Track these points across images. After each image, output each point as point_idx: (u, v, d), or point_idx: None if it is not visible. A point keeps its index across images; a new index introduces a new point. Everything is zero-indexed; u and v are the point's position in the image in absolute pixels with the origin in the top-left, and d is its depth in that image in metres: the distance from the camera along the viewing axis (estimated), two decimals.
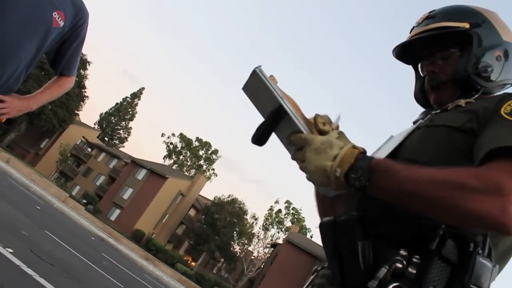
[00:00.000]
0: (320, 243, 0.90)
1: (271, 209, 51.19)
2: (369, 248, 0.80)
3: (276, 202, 57.51)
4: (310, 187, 1.11)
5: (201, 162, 63.27)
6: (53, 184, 29.34)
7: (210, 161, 63.52)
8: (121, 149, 60.65)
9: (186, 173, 59.52)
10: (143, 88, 63.89)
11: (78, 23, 1.66)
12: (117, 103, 62.90)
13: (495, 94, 1.00)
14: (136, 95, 62.87)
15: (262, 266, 44.13)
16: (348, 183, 0.77)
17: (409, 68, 1.22)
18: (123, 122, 62.45)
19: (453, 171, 0.72)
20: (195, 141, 63.31)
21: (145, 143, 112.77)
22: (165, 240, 45.82)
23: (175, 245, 47.80)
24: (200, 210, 48.67)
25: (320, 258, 34.04)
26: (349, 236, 0.81)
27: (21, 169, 24.24)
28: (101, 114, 63.30)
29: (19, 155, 39.40)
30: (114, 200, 42.73)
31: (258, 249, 48.64)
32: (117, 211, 42.34)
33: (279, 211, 51.02)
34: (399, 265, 0.75)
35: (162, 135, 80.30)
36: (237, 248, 48.93)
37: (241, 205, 46.64)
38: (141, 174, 43.98)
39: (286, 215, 51.07)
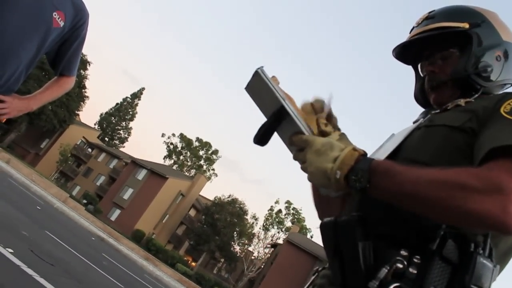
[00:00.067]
0: (321, 243, 0.90)
1: (271, 209, 51.20)
2: (370, 248, 0.80)
3: (277, 202, 57.46)
4: (310, 186, 1.11)
5: (201, 162, 63.28)
6: (53, 184, 29.35)
7: (210, 161, 63.53)
8: (121, 149, 60.69)
9: (186, 173, 59.52)
10: (143, 88, 63.95)
11: (78, 23, 1.66)
12: (117, 103, 62.96)
13: (495, 94, 1.00)
14: (136, 95, 62.89)
15: (262, 266, 44.13)
16: (349, 185, 0.77)
17: (409, 68, 1.21)
18: (123, 122, 62.48)
19: (453, 172, 0.72)
20: (195, 141, 63.34)
21: (145, 143, 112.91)
22: (165, 240, 45.83)
23: (175, 245, 47.80)
24: (200, 210, 48.68)
25: (320, 258, 34.04)
26: (349, 236, 0.81)
27: (22, 169, 24.25)
28: (101, 114, 63.38)
29: (19, 156, 39.42)
30: (114, 200, 42.73)
31: (258, 249, 48.67)
32: (117, 211, 42.35)
33: (279, 211, 51.01)
34: (400, 266, 0.75)
35: (162, 135, 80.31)
36: (237, 248, 48.95)
37: (241, 205, 46.64)
38: (141, 174, 43.98)
39: (286, 215, 51.10)
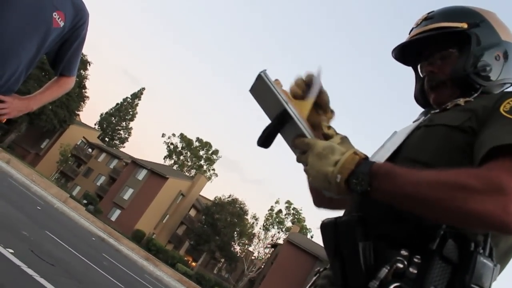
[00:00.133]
0: (321, 243, 0.91)
1: (271, 209, 51.24)
2: (370, 248, 0.80)
3: (277, 202, 57.40)
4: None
5: (202, 162, 63.29)
6: (54, 184, 29.36)
7: (210, 161, 63.53)
8: (121, 149, 60.72)
9: (186, 173, 59.53)
10: (143, 89, 63.98)
11: (78, 23, 1.66)
12: (117, 104, 62.99)
13: (494, 93, 1.00)
14: (137, 95, 62.92)
15: (262, 266, 44.12)
16: (350, 188, 0.78)
17: (409, 68, 1.21)
18: (124, 123, 62.50)
19: (453, 173, 0.72)
20: (196, 141, 63.35)
21: (145, 143, 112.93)
22: (166, 240, 45.83)
23: (176, 245, 47.81)
24: (201, 210, 48.67)
25: (320, 258, 34.05)
26: (350, 236, 0.81)
27: (22, 169, 24.25)
28: (101, 115, 63.41)
29: (19, 156, 39.44)
30: (114, 200, 42.74)
31: (259, 249, 48.70)
32: (118, 212, 42.35)
33: (280, 211, 51.03)
34: (400, 265, 0.75)
35: (163, 135, 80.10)
36: (237, 248, 48.96)
37: (241, 205, 46.64)
38: (142, 175, 43.99)
39: (286, 215, 51.12)
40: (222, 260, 48.21)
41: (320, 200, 1.13)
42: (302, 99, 0.92)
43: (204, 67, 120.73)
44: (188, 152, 62.83)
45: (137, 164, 44.73)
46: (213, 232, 43.82)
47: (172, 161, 62.15)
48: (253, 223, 49.99)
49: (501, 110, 0.84)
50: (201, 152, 63.26)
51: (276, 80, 0.88)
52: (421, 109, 1.15)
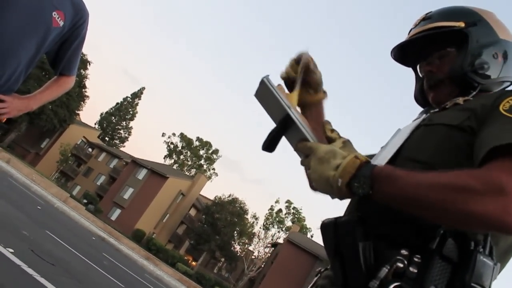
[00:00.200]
0: (321, 242, 0.91)
1: (271, 208, 51.26)
2: (370, 248, 0.80)
3: (277, 201, 57.54)
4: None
5: (202, 161, 63.30)
6: (54, 184, 29.36)
7: (210, 160, 63.54)
8: (121, 149, 60.71)
9: (186, 172, 59.53)
10: (143, 88, 64.00)
11: (78, 22, 1.66)
12: (117, 103, 63.00)
13: (493, 92, 1.00)
14: (137, 94, 62.91)
15: (262, 266, 44.15)
16: (352, 191, 0.78)
17: (409, 69, 1.22)
18: (124, 122, 62.49)
19: (453, 174, 0.72)
20: (196, 140, 63.36)
21: (145, 143, 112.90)
22: (166, 240, 45.85)
23: (176, 244, 47.83)
24: (201, 210, 48.69)
25: (320, 258, 34.07)
26: (350, 236, 0.82)
27: (22, 169, 24.26)
28: (101, 114, 63.41)
29: (19, 155, 39.44)
30: (114, 200, 42.75)
31: (259, 249, 48.71)
32: (118, 211, 42.37)
33: (280, 210, 51.06)
34: (400, 265, 0.75)
35: (163, 134, 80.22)
36: (237, 247, 48.98)
37: (241, 205, 46.66)
38: (142, 174, 44.00)
39: (286, 215, 51.13)
40: (222, 259, 48.24)
41: None
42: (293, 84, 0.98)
43: (204, 67, 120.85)
44: (188, 152, 62.84)
45: (137, 163, 44.74)
46: (213, 231, 43.83)
47: (172, 161, 62.18)
48: (253, 222, 50.06)
49: (500, 109, 0.84)
50: (201, 152, 63.28)
51: (279, 85, 0.90)
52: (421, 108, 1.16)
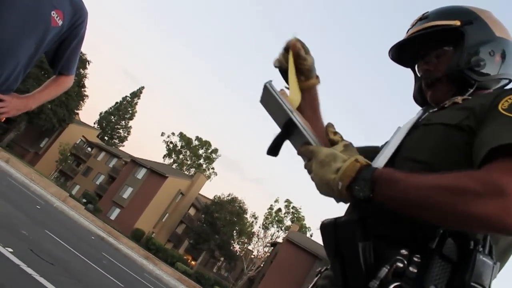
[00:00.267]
0: (320, 242, 0.92)
1: (271, 208, 51.26)
2: (370, 248, 0.80)
3: (276, 201, 57.65)
4: (310, 187, 1.12)
5: (201, 161, 63.30)
6: (53, 183, 29.34)
7: (210, 160, 63.54)
8: (121, 148, 60.70)
9: (186, 172, 59.53)
10: (143, 87, 64.00)
11: (77, 22, 1.66)
12: (116, 102, 62.97)
13: (492, 90, 1.00)
14: (136, 94, 62.88)
15: (262, 265, 44.17)
16: (352, 194, 0.78)
17: (409, 70, 1.22)
18: (123, 121, 62.47)
19: (454, 176, 0.72)
20: (195, 140, 63.35)
21: (145, 142, 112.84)
22: (165, 239, 45.85)
23: (175, 244, 47.83)
24: (200, 209, 48.69)
25: (320, 257, 34.09)
26: (349, 237, 0.82)
27: (21, 168, 24.24)
28: (100, 113, 63.40)
29: (18, 155, 39.40)
30: (114, 199, 42.74)
31: (258, 248, 48.74)
32: (117, 210, 42.36)
33: (279, 210, 51.05)
34: (400, 265, 0.75)
35: (162, 134, 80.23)
36: (237, 247, 49.02)
37: (241, 204, 46.68)
38: (141, 173, 43.98)
39: (286, 214, 51.14)
40: (222, 259, 48.25)
41: None
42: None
43: (204, 66, 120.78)
44: (188, 151, 62.83)
45: (136, 163, 44.72)
46: (213, 231, 43.84)
47: (172, 160, 62.17)
48: (252, 222, 50.06)
49: (499, 108, 0.83)
50: (201, 151, 63.27)
51: (282, 90, 0.92)
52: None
